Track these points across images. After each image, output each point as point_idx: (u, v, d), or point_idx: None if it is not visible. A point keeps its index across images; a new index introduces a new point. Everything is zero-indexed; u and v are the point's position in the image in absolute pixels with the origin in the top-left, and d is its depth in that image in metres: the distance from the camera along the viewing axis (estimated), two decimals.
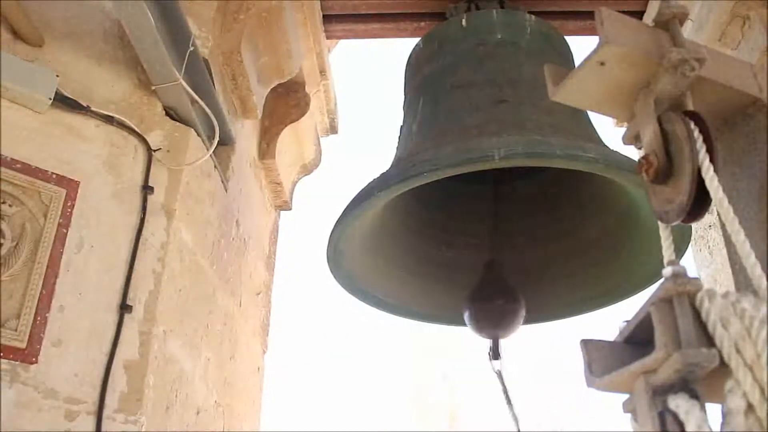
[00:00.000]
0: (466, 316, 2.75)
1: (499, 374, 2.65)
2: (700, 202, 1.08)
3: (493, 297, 2.73)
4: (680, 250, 2.38)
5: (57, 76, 2.22)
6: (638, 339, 1.02)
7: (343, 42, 3.91)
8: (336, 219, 2.44)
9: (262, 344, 3.46)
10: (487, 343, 2.68)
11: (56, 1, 2.42)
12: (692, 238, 3.15)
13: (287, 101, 3.57)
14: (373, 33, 3.66)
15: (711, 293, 0.94)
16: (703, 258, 3.45)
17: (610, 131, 3.60)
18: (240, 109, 3.13)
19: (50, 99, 2.18)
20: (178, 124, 2.52)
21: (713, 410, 0.91)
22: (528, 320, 2.91)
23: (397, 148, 2.73)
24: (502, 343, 2.67)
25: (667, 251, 1.11)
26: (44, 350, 1.95)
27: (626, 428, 1.00)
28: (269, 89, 3.34)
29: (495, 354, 2.67)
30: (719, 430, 0.87)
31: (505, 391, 2.62)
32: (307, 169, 4.03)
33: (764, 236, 1.18)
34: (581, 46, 3.35)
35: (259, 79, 3.20)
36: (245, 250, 3.19)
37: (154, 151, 2.40)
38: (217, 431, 2.73)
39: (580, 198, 2.83)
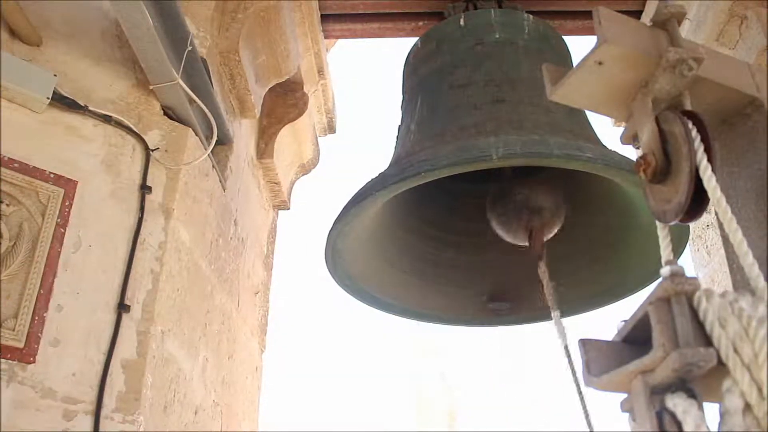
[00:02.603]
0: (493, 221, 2.57)
1: (566, 350, 2.33)
2: (697, 202, 1.08)
3: (515, 193, 2.54)
4: (678, 249, 2.38)
5: (55, 75, 2.22)
6: (636, 338, 1.02)
7: (341, 41, 3.91)
8: (334, 218, 2.44)
9: (260, 344, 3.46)
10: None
11: (54, 1, 2.42)
12: (690, 237, 3.15)
13: (285, 101, 3.57)
14: (371, 32, 3.66)
15: (709, 293, 0.94)
16: (701, 257, 3.45)
17: (608, 131, 3.61)
18: (238, 108, 3.13)
19: (48, 98, 2.18)
20: (176, 123, 2.52)
21: (711, 409, 0.91)
22: (526, 320, 2.91)
23: (396, 147, 2.73)
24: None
25: (665, 251, 1.11)
26: (42, 350, 1.95)
27: (625, 428, 1.00)
28: (267, 89, 3.33)
29: (538, 247, 2.41)
30: (717, 429, 0.87)
31: (572, 368, 2.28)
32: (306, 169, 4.03)
33: (762, 236, 1.18)
34: (579, 45, 3.36)
35: (257, 78, 3.19)
36: (243, 250, 3.19)
37: (152, 150, 2.40)
38: (216, 431, 2.73)
39: (578, 198, 2.83)
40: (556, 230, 2.56)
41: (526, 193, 2.54)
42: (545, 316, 2.97)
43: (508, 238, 2.60)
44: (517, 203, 2.53)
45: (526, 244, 2.52)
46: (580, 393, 2.18)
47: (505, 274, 2.94)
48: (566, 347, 2.28)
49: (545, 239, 2.52)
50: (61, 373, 1.96)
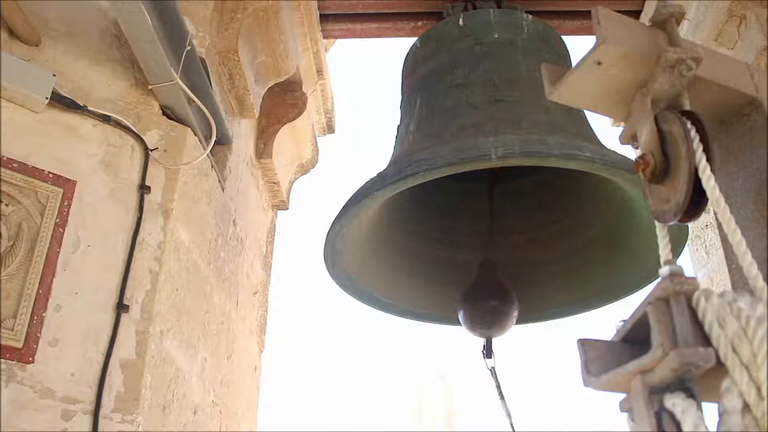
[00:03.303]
0: (460, 315, 2.78)
1: (493, 371, 2.71)
2: (696, 202, 1.08)
3: (487, 297, 2.77)
4: (677, 249, 2.38)
5: (54, 75, 2.22)
6: (635, 338, 1.02)
7: (340, 41, 3.91)
8: (333, 218, 2.44)
9: (259, 344, 3.45)
10: (482, 342, 2.71)
11: (53, 1, 2.42)
12: (689, 237, 3.15)
13: (284, 100, 3.57)
14: (370, 32, 3.66)
15: (708, 293, 0.94)
16: (700, 257, 3.45)
17: (607, 131, 3.61)
18: (237, 108, 3.13)
19: (47, 98, 2.18)
20: (175, 123, 2.52)
21: (710, 409, 0.91)
22: (525, 320, 2.91)
23: (395, 147, 2.73)
24: (496, 342, 2.73)
25: (664, 251, 1.11)
26: (41, 350, 1.95)
27: (623, 428, 1.00)
28: (266, 89, 3.33)
29: (488, 353, 2.72)
30: (716, 429, 0.87)
31: (499, 388, 2.67)
32: (305, 169, 4.03)
33: (761, 235, 1.18)
34: (578, 45, 3.35)
35: (257, 78, 3.19)
36: (242, 250, 3.19)
37: (151, 150, 2.40)
38: (214, 431, 2.73)
39: (577, 197, 2.84)
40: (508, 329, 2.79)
41: (491, 314, 2.75)
42: (544, 316, 2.98)
43: (465, 328, 2.80)
44: (481, 314, 2.76)
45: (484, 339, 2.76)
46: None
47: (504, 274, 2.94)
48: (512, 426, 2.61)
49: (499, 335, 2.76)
50: (59, 373, 1.96)
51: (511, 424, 2.58)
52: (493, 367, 2.69)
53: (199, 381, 2.55)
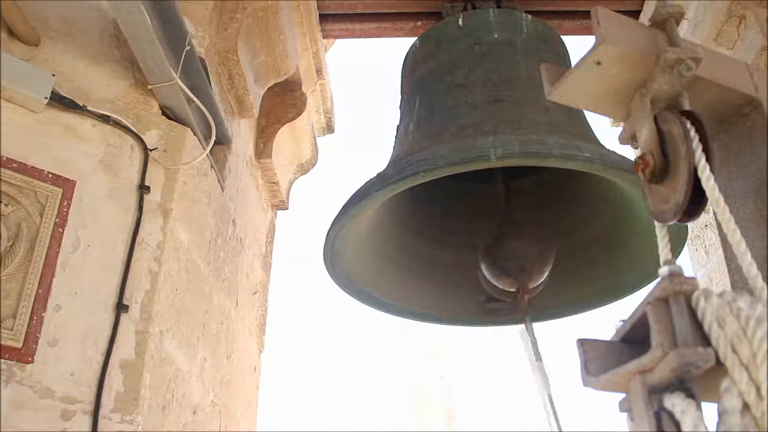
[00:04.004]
0: (484, 264, 2.60)
1: (528, 325, 2.42)
2: (696, 202, 1.08)
3: (517, 244, 2.57)
4: (676, 249, 2.38)
5: (53, 75, 2.22)
6: (635, 338, 1.02)
7: (339, 41, 3.91)
8: (333, 218, 2.44)
9: (258, 344, 3.45)
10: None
11: (53, 1, 2.42)
12: (688, 237, 3.16)
13: (284, 100, 3.57)
14: (369, 32, 3.66)
15: (707, 293, 0.94)
16: (700, 257, 3.45)
17: (606, 130, 3.61)
18: (237, 108, 3.12)
19: (47, 98, 2.18)
20: (174, 123, 2.51)
21: (709, 409, 0.91)
22: (524, 320, 2.91)
23: (394, 147, 2.73)
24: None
25: (664, 251, 1.11)
26: (40, 349, 1.95)
27: (623, 428, 1.00)
28: (266, 88, 3.33)
29: (525, 304, 2.44)
30: (715, 429, 0.87)
31: (535, 345, 2.40)
32: (304, 169, 4.03)
33: (760, 235, 1.18)
34: (578, 45, 3.35)
35: (256, 78, 3.19)
36: (242, 250, 3.19)
37: (151, 150, 2.40)
38: (214, 431, 2.73)
39: (576, 197, 2.84)
40: (544, 279, 2.60)
41: (517, 251, 2.58)
42: (543, 316, 2.97)
43: (498, 285, 2.63)
44: (508, 259, 2.59)
45: (515, 291, 2.56)
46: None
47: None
48: (550, 396, 2.36)
49: (535, 285, 2.56)
50: (59, 373, 1.96)
51: (547, 389, 2.36)
52: (528, 318, 2.39)
53: (198, 381, 2.54)
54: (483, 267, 2.63)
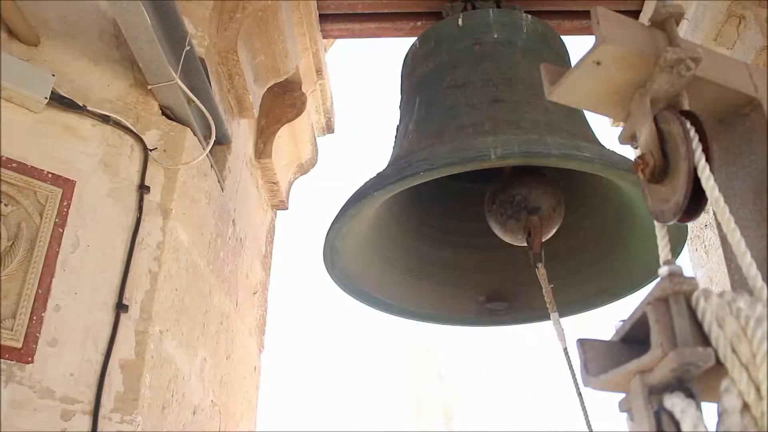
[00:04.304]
0: (491, 211, 2.56)
1: (543, 278, 2.36)
2: (696, 202, 1.08)
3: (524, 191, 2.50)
4: (676, 249, 2.38)
5: (53, 75, 2.22)
6: (634, 338, 1.02)
7: (339, 41, 3.91)
8: (332, 218, 2.44)
9: (258, 344, 3.45)
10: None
11: (52, 1, 2.42)
12: (688, 237, 3.16)
13: (284, 100, 3.57)
14: (369, 32, 3.66)
15: (707, 293, 0.94)
16: (699, 257, 3.46)
17: (606, 130, 3.62)
18: (236, 108, 3.12)
19: (46, 98, 2.18)
20: (174, 123, 2.51)
21: (709, 409, 0.91)
22: (524, 320, 2.91)
23: (394, 147, 2.73)
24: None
25: (663, 251, 1.11)
26: (40, 350, 1.95)
27: (623, 428, 1.00)
28: (266, 88, 3.33)
29: (537, 248, 2.37)
30: (715, 429, 0.87)
31: (549, 293, 2.35)
32: (304, 169, 4.03)
33: (760, 235, 1.18)
34: (578, 45, 3.36)
35: (256, 78, 3.19)
36: (241, 250, 3.19)
37: (151, 150, 2.40)
38: (214, 431, 2.73)
39: (576, 197, 2.84)
40: (554, 230, 2.56)
41: (525, 193, 2.52)
42: (543, 316, 2.96)
43: (505, 237, 2.60)
44: (515, 203, 2.52)
45: (524, 244, 2.52)
46: (579, 394, 2.19)
47: (503, 273, 2.94)
48: (565, 350, 2.29)
49: (543, 239, 2.51)
50: (59, 373, 1.96)
51: (563, 342, 2.29)
52: (541, 265, 2.31)
53: (198, 381, 2.55)
54: (490, 213, 2.57)
